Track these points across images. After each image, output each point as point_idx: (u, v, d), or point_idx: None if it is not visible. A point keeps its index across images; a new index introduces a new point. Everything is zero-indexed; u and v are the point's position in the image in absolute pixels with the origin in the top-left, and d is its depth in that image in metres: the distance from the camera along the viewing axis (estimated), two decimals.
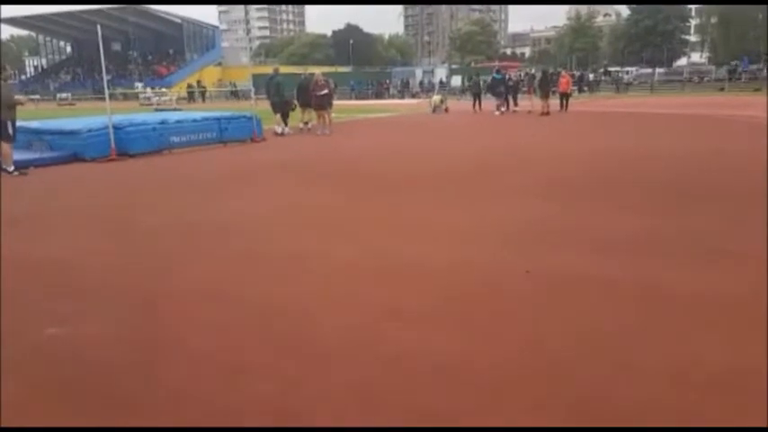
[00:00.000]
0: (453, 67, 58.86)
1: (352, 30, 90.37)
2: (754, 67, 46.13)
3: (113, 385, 2.71)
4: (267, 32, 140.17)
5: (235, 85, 52.38)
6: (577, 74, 42.94)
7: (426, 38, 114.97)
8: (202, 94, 48.69)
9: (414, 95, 45.50)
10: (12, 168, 9.44)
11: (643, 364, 2.75)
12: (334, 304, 3.67)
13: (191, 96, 46.74)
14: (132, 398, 2.59)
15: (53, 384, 2.73)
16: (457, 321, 3.36)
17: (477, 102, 25.06)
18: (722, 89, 38.31)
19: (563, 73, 25.99)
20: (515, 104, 23.62)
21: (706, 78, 46.87)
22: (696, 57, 65.22)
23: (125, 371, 2.84)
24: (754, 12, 48.26)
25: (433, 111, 25.12)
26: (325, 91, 15.77)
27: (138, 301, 3.80)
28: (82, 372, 2.84)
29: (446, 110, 25.20)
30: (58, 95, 47.42)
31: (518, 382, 2.63)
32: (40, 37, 76.69)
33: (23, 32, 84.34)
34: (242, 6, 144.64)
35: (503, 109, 22.53)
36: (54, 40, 75.57)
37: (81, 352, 3.05)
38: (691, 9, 62.49)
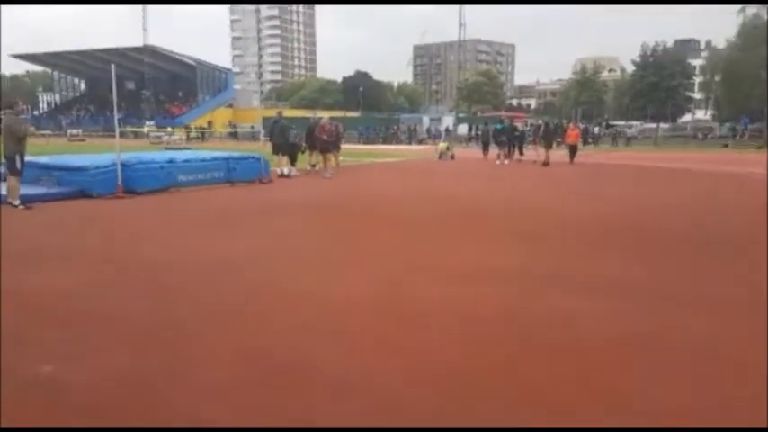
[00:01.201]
0: (460, 115, 59.53)
1: (361, 76, 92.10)
2: (757, 124, 46.49)
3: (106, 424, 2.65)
4: (279, 77, 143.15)
5: (234, 127, 53.23)
6: (582, 126, 43.41)
7: (434, 86, 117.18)
8: (202, 134, 49.35)
9: (421, 142, 45.98)
10: (17, 202, 9.47)
11: (635, 408, 2.77)
12: (333, 341, 3.69)
13: (188, 137, 47.27)
14: None
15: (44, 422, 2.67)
16: (451, 364, 3.34)
17: (486, 150, 25.36)
18: (726, 145, 38.66)
19: (571, 125, 26.08)
20: (521, 154, 23.79)
21: (710, 135, 47.29)
22: (701, 113, 65.92)
23: (119, 413, 2.78)
24: (758, 70, 48.97)
25: (440, 157, 25.30)
26: (325, 137, 15.92)
27: (136, 336, 3.78)
28: (74, 412, 2.78)
29: (452, 157, 25.38)
30: (69, 131, 47.99)
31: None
32: (55, 73, 78.36)
33: (39, 69, 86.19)
34: (255, 50, 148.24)
35: (506, 160, 22.56)
36: (69, 77, 77.14)
37: (74, 392, 2.99)
38: (695, 67, 63.46)
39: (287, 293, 4.82)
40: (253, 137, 45.60)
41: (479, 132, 34.13)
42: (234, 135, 50.40)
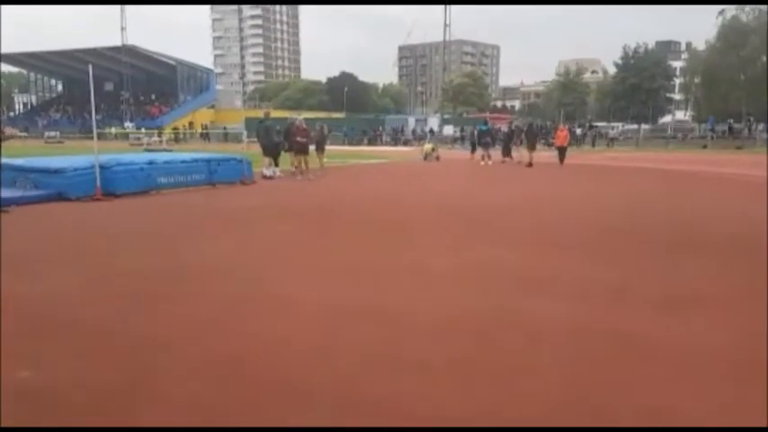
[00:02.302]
0: (445, 116, 59.65)
1: (346, 77, 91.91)
2: (738, 126, 47.01)
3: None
4: (262, 77, 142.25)
5: (206, 128, 52.90)
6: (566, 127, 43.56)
7: (420, 88, 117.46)
8: (176, 136, 48.87)
9: (406, 143, 45.94)
10: None
11: (619, 412, 2.75)
12: (317, 348, 3.60)
13: (170, 138, 46.60)
14: None
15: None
16: (438, 369, 3.29)
17: (474, 151, 25.28)
18: (705, 146, 39.18)
19: (560, 126, 25.97)
20: (508, 155, 23.76)
21: (690, 135, 47.86)
22: (680, 114, 66.68)
23: (96, 417, 2.72)
24: (736, 72, 49.70)
25: (425, 158, 25.25)
26: (299, 138, 15.67)
27: (115, 343, 3.69)
28: (52, 418, 2.71)
29: (437, 158, 25.34)
30: (46, 133, 47.24)
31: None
32: (31, 74, 77.03)
33: (14, 69, 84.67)
34: (237, 50, 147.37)
35: (490, 161, 22.47)
36: (45, 78, 75.89)
37: (54, 396, 2.94)
38: (675, 68, 64.23)
39: (263, 298, 4.70)
40: (225, 138, 45.28)
41: (463, 134, 34.39)
42: (206, 136, 49.87)
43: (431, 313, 4.33)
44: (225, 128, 49.60)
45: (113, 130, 46.94)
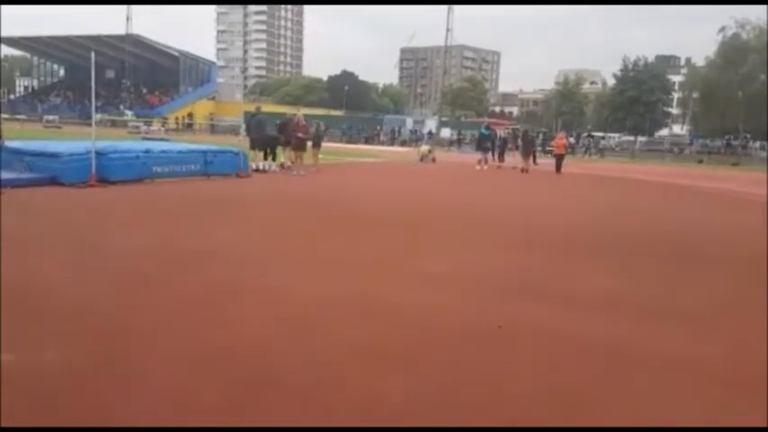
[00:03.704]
0: (443, 119, 59.82)
1: (347, 76, 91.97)
2: (736, 143, 47.31)
3: (62, 416, 2.60)
4: (264, 72, 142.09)
5: (191, 117, 53.50)
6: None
7: (419, 90, 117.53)
8: (164, 126, 48.89)
9: (403, 143, 46.06)
10: None
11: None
12: (301, 342, 3.62)
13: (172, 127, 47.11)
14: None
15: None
16: (422, 367, 3.33)
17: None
18: (701, 161, 39.46)
19: (559, 135, 25.78)
20: (501, 160, 23.84)
21: (686, 150, 48.19)
22: (677, 128, 66.93)
23: (79, 402, 2.73)
24: (735, 90, 49.98)
25: (421, 160, 25.35)
26: (300, 134, 15.86)
27: (101, 330, 3.71)
28: (31, 400, 2.73)
29: (433, 160, 25.45)
30: (45, 117, 47.02)
31: None
32: (35, 58, 76.84)
33: (18, 53, 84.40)
34: (241, 44, 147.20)
35: (485, 166, 22.33)
36: (48, 63, 75.68)
37: (35, 380, 2.94)
38: (674, 83, 64.52)
39: (246, 287, 4.80)
40: (212, 130, 45.72)
41: (460, 137, 34.42)
42: (190, 126, 50.59)
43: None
44: (212, 119, 50.39)
45: (98, 116, 46.71)
